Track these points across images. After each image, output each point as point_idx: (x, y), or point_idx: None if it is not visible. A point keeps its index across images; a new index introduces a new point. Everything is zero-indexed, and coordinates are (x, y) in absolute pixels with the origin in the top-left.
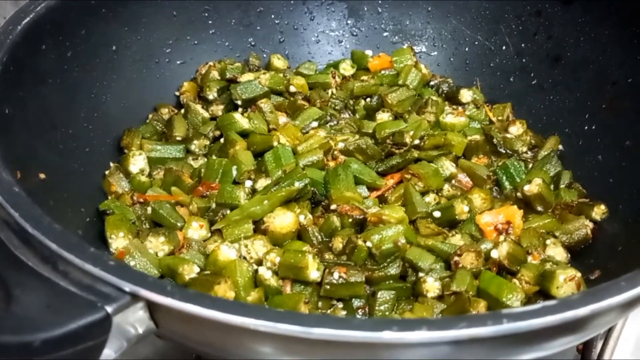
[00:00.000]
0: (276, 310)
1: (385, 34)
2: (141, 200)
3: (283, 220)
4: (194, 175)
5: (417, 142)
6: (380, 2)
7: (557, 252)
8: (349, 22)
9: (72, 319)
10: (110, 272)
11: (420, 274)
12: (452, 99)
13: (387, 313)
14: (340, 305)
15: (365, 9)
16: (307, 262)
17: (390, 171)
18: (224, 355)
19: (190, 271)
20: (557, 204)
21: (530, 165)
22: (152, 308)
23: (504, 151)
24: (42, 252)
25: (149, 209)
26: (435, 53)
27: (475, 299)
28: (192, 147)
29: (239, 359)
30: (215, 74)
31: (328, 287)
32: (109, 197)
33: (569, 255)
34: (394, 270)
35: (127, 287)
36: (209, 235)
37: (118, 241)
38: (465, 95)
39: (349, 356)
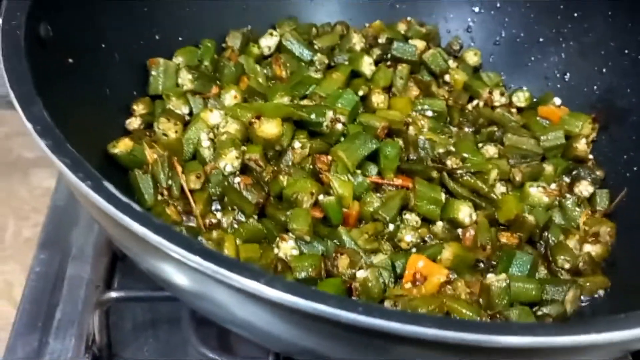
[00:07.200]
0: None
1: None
2: (229, 58)
3: (268, 128)
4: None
5: (459, 171)
6: None
7: None
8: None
9: None
10: None
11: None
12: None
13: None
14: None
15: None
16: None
17: (409, 174)
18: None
19: (164, 125)
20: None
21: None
22: None
23: (543, 251)
24: None
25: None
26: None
27: None
28: (315, 59)
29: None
30: (402, 27)
31: (218, 188)
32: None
33: None
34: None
35: None
36: None
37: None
38: (583, 187)
39: None
